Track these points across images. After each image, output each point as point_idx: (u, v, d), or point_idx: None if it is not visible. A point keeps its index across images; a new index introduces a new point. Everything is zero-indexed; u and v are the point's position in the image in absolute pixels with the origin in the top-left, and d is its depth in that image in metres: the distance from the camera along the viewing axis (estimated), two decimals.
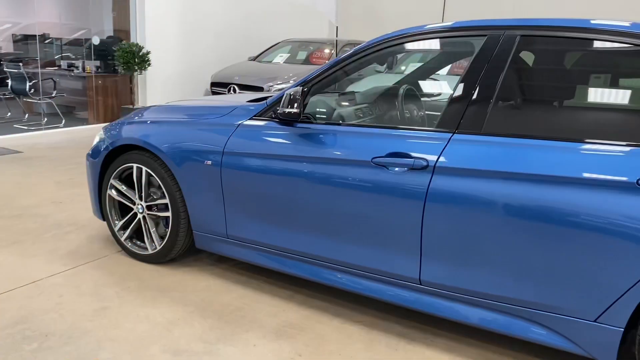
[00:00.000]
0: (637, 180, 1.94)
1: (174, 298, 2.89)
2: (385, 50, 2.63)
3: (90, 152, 3.45)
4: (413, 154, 2.35)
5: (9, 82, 8.03)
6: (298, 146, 2.66)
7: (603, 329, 2.07)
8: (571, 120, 2.28)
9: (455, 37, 2.53)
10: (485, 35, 2.39)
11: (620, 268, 1.98)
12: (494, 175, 2.18)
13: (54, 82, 8.45)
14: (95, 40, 9.02)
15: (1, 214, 4.11)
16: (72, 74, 9.11)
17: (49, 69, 9.77)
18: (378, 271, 2.52)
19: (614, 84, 2.26)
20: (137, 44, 8.42)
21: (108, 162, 3.39)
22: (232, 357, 2.38)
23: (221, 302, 2.87)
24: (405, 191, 2.35)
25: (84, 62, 9.06)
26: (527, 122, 2.28)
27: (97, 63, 9.24)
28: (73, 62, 9.40)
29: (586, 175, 2.03)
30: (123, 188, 3.31)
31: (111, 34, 12.65)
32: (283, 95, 2.71)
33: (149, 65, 8.50)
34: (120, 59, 8.23)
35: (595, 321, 2.08)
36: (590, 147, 2.07)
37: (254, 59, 9.66)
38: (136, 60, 8.30)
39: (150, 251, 3.27)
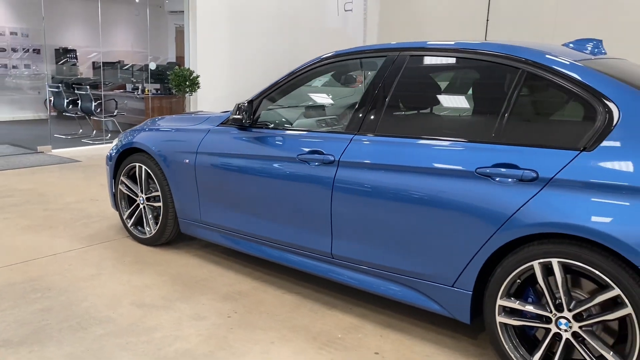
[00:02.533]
0: (476, 169, 2.40)
1: (156, 270, 3.57)
2: (315, 70, 3.22)
3: (108, 155, 4.25)
4: (325, 152, 2.91)
5: (79, 102, 9.27)
6: (248, 146, 3.29)
7: (458, 293, 2.52)
8: (435, 123, 2.77)
9: (366, 57, 3.08)
10: (385, 56, 2.93)
11: (465, 241, 2.43)
12: (379, 167, 2.70)
13: (116, 102, 9.60)
14: (152, 66, 10.13)
15: (48, 207, 5.02)
16: (135, 95, 10.28)
17: (117, 92, 11.05)
18: (303, 247, 3.08)
19: (464, 94, 2.74)
20: (189, 68, 9.42)
21: (121, 163, 4.16)
22: (182, 310, 3.01)
23: (192, 274, 3.52)
24: (319, 181, 2.91)
25: (143, 85, 10.20)
26: (406, 125, 2.80)
27: (157, 86, 10.37)
28: (137, 85, 10.60)
29: (442, 165, 2.51)
30: (130, 183, 4.07)
31: (173, 60, 13.94)
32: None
33: (198, 87, 9.46)
34: (173, 82, 9.25)
35: (452, 286, 2.53)
36: (446, 143, 2.56)
37: None
38: (187, 83, 9.28)
39: (148, 235, 3.99)
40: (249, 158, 3.26)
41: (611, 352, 2.13)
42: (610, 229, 2.05)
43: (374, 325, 2.90)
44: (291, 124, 3.51)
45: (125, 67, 13.05)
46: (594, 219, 2.10)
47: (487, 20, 12.24)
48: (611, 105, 2.22)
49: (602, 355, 2.15)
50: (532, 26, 11.22)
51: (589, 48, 2.85)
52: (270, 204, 3.17)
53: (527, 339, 2.42)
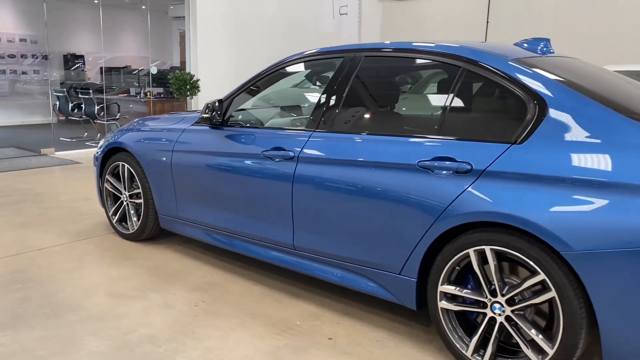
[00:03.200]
0: (417, 162, 2.53)
1: (134, 263, 3.74)
2: (278, 72, 3.38)
3: (95, 155, 4.44)
4: (286, 148, 3.06)
5: (82, 106, 9.54)
6: (218, 144, 3.45)
7: (405, 280, 2.65)
8: (384, 119, 2.90)
9: (327, 58, 3.22)
10: (343, 57, 3.08)
11: (409, 230, 2.56)
12: (332, 162, 2.84)
13: (118, 106, 9.85)
14: (154, 70, 10.36)
15: (43, 205, 5.23)
16: (138, 99, 10.52)
17: (122, 96, 11.32)
18: (268, 239, 3.22)
19: (410, 91, 2.86)
20: (189, 72, 9.63)
21: (107, 162, 4.35)
22: (153, 299, 3.17)
23: (168, 267, 3.69)
24: (281, 176, 3.06)
25: (144, 89, 10.44)
26: (358, 122, 2.94)
27: (160, 90, 10.62)
28: (140, 89, 10.85)
29: (387, 160, 2.65)
30: (114, 181, 4.25)
31: (178, 64, 14.20)
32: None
33: (199, 91, 9.67)
34: (173, 85, 9.47)
35: (400, 274, 2.66)
36: (393, 138, 2.69)
37: None
38: (187, 86, 9.49)
39: (131, 231, 4.17)
40: (219, 155, 3.42)
41: (540, 335, 2.24)
42: (534, 217, 2.17)
43: (332, 313, 3.03)
44: (259, 123, 3.66)
45: (133, 72, 13.34)
46: (520, 207, 2.22)
47: (487, 21, 12.36)
48: (540, 100, 2.34)
49: (533, 339, 2.26)
50: (532, 26, 11.30)
51: (539, 47, 2.96)
52: (238, 199, 3.32)
53: (470, 324, 2.54)
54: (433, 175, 2.48)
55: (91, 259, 3.80)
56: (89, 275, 3.51)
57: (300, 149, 3.00)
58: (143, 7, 14.51)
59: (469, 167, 2.38)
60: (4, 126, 11.91)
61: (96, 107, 9.29)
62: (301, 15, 9.56)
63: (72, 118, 10.43)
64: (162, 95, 10.46)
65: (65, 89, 10.00)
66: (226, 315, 2.99)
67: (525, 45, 2.99)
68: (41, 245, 4.05)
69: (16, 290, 3.26)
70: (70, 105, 9.83)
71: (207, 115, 3.44)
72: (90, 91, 9.50)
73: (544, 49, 2.97)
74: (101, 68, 14.39)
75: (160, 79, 10.54)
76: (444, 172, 2.45)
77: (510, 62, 2.51)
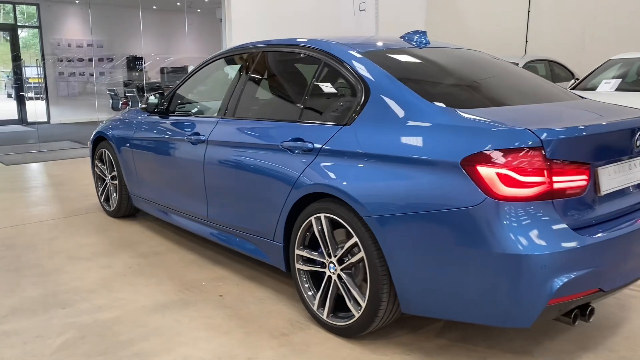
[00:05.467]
0: (280, 143, 2.93)
1: (103, 235, 4.39)
2: (208, 67, 3.86)
3: (88, 143, 5.16)
4: (200, 133, 3.55)
5: (111, 101, 10.59)
6: (158, 131, 4.00)
7: (276, 245, 3.05)
8: (266, 106, 3.31)
9: (239, 54, 3.66)
10: (249, 53, 3.51)
11: (275, 201, 2.96)
12: (226, 144, 3.30)
13: None
14: (191, 69, 11.17)
15: (62, 188, 6.06)
16: None
17: None
18: (192, 212, 3.73)
19: (286, 82, 3.24)
20: None
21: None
22: (99, 262, 3.76)
23: (129, 239, 4.29)
24: (196, 157, 3.55)
25: None
26: (249, 110, 3.36)
27: None
28: None
29: (262, 141, 3.06)
30: (101, 165, 4.93)
31: None
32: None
33: None
34: None
35: (273, 240, 3.07)
36: (270, 123, 3.11)
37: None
38: None
39: (112, 208, 4.83)
40: (157, 140, 3.97)
41: (356, 290, 2.59)
42: (346, 187, 2.51)
43: (238, 276, 3.49)
44: (190, 111, 4.17)
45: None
46: (337, 179, 2.57)
47: (529, 11, 12.26)
48: (366, 86, 2.66)
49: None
50: (573, 16, 11.19)
51: (414, 39, 3.25)
52: (170, 178, 3.86)
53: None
54: (290, 153, 2.87)
55: (71, 231, 4.49)
56: (62, 243, 4.18)
57: (209, 134, 3.47)
58: (198, 10, 15.53)
59: (311, 146, 2.76)
60: (73, 122, 13.26)
61: (120, 103, 10.28)
62: (325, 13, 9.96)
63: None
64: None
65: (114, 88, 11.05)
66: (148, 275, 3.53)
67: (406, 37, 3.29)
68: (39, 219, 4.81)
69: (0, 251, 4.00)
70: (120, 102, 10.85)
71: (144, 105, 4.02)
72: (135, 89, 10.47)
73: (424, 40, 3.25)
74: (162, 68, 15.58)
75: None
76: (297, 151, 2.83)
77: (350, 53, 2.84)
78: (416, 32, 3.28)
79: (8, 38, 13.35)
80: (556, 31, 11.55)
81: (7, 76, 15.97)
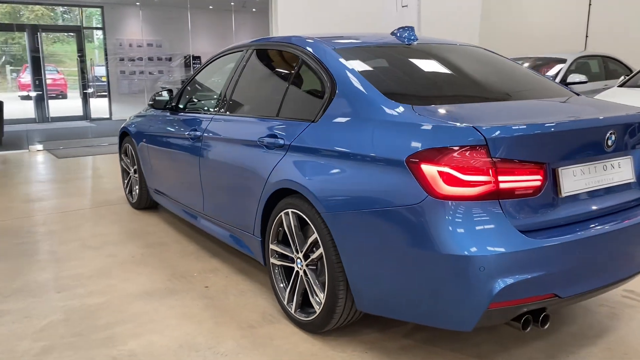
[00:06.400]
0: (258, 139, 2.98)
1: (120, 225, 4.61)
2: (212, 65, 3.97)
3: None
4: (197, 129, 3.66)
5: None
6: (166, 127, 4.16)
7: (256, 240, 3.10)
8: (251, 104, 3.36)
9: (235, 52, 3.74)
10: (242, 50, 3.58)
11: (253, 196, 3.02)
12: (215, 139, 3.39)
13: None
14: None
15: (101, 181, 6.41)
16: None
17: None
18: (192, 206, 3.85)
19: (269, 80, 3.28)
20: None
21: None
22: (107, 250, 3.96)
23: (143, 230, 4.48)
24: (194, 153, 3.67)
25: None
26: (236, 106, 3.43)
27: None
28: None
29: (245, 137, 3.13)
30: (125, 159, 5.18)
31: None
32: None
33: None
34: None
35: (253, 234, 3.13)
36: (253, 120, 3.17)
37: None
38: None
39: (134, 200, 5.07)
40: (165, 136, 4.13)
41: (317, 285, 2.60)
42: (307, 183, 2.53)
43: (229, 269, 3.57)
44: (196, 108, 4.28)
45: None
46: (300, 176, 2.59)
47: (590, 4, 11.71)
48: (333, 83, 2.66)
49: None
50: (638, 10, 10.66)
51: (405, 35, 3.20)
52: (175, 172, 4.00)
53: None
54: (266, 149, 2.92)
55: (94, 220, 4.74)
56: (80, 232, 4.43)
57: (204, 130, 3.58)
58: (253, 9, 15.85)
59: (282, 142, 2.79)
60: None
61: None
62: (369, 8, 9.92)
63: None
64: None
65: (166, 85, 11.48)
66: (146, 264, 3.68)
67: (398, 33, 3.25)
68: (68, 209, 5.12)
69: (22, 237, 4.28)
70: None
71: (150, 102, 4.19)
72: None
73: (412, 36, 3.20)
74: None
75: None
76: (272, 147, 2.87)
77: (324, 50, 2.84)
78: (405, 28, 3.23)
79: (74, 39, 14.18)
80: (618, 26, 10.97)
81: (84, 75, 16.93)
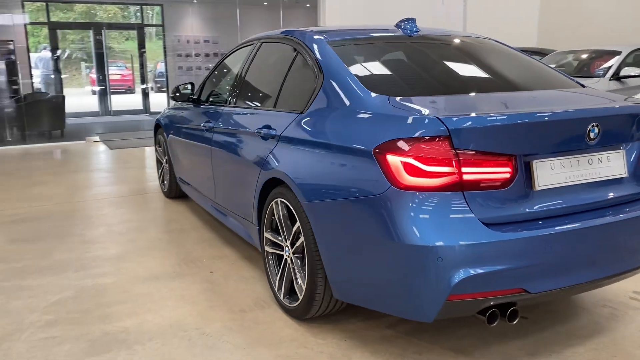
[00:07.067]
0: (256, 130, 3.07)
1: (148, 213, 4.84)
2: (229, 57, 4.09)
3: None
4: (211, 120, 3.80)
5: None
6: (188, 118, 4.33)
7: (254, 227, 3.20)
8: (254, 96, 3.43)
9: (246, 46, 3.84)
10: (252, 44, 3.68)
11: (251, 185, 3.11)
12: (222, 130, 3.52)
13: None
14: None
15: (143, 171, 6.73)
16: None
17: None
18: (207, 195, 4.00)
19: (270, 72, 3.35)
20: None
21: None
22: (130, 235, 4.19)
23: (167, 217, 4.69)
24: (207, 143, 3.81)
25: None
26: (242, 98, 3.54)
27: None
28: None
29: (246, 129, 3.23)
30: (159, 150, 5.43)
31: None
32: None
33: None
34: None
35: (252, 222, 3.22)
36: (256, 111, 3.26)
37: None
38: None
39: (165, 189, 5.31)
40: (187, 128, 4.30)
41: (300, 272, 2.66)
42: (290, 173, 2.60)
43: (237, 255, 3.69)
44: (215, 100, 4.42)
45: None
46: (285, 165, 2.66)
47: None
48: (322, 75, 2.71)
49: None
50: None
51: (407, 27, 3.19)
52: (193, 162, 4.17)
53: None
54: (262, 140, 3.00)
55: (126, 208, 5.01)
56: (109, 218, 4.70)
57: (215, 121, 3.71)
58: (307, 5, 15.97)
59: (275, 133, 2.87)
60: None
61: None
62: (415, 2, 9.83)
63: None
64: None
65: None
66: (161, 249, 3.86)
67: (402, 25, 3.24)
68: (106, 197, 5.42)
69: (55, 220, 4.59)
70: None
71: (172, 94, 4.37)
72: None
73: (414, 28, 3.18)
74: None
75: None
76: (266, 137, 2.96)
77: (317, 42, 2.89)
78: (408, 20, 3.21)
79: (136, 36, 14.83)
80: None
81: (150, 71, 17.63)
